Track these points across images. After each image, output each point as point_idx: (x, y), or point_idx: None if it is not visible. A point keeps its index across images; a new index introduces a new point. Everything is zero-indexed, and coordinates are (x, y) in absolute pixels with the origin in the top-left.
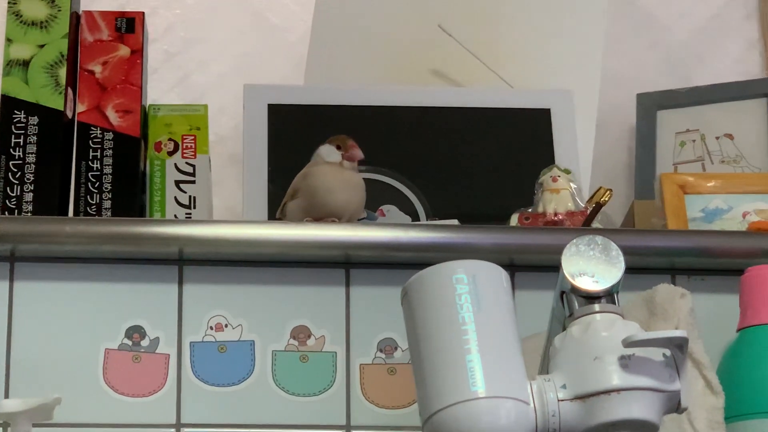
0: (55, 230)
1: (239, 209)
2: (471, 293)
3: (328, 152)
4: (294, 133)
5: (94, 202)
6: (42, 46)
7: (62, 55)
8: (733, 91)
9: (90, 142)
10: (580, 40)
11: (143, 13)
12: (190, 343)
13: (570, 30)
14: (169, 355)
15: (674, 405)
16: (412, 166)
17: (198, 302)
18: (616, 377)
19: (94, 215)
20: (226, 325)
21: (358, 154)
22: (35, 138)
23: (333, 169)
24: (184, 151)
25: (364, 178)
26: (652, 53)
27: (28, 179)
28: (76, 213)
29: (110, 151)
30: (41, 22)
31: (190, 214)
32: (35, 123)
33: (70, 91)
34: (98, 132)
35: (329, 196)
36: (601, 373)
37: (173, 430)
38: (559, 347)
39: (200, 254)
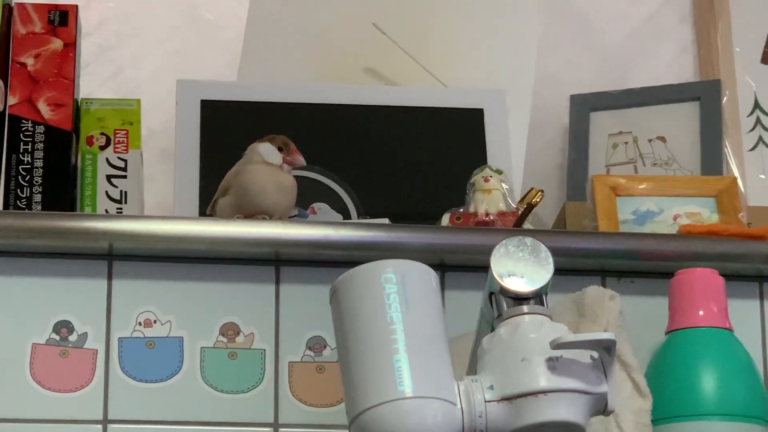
0: None
1: (170, 205)
2: (400, 293)
3: (268, 152)
4: (227, 129)
5: (24, 196)
6: None
7: None
8: (667, 94)
9: (21, 135)
10: (515, 40)
11: (77, 6)
12: (119, 338)
13: (504, 30)
14: (97, 350)
15: (601, 407)
16: (344, 164)
17: (127, 298)
18: (544, 379)
19: (24, 209)
20: (155, 321)
21: (301, 160)
22: None
23: (268, 169)
24: (116, 145)
25: (296, 176)
26: (586, 54)
27: None
28: (6, 206)
29: (41, 145)
30: None
31: (121, 209)
32: None
33: (1, 83)
34: (29, 125)
35: (260, 197)
36: (529, 374)
37: (100, 426)
38: (487, 348)
39: (130, 249)
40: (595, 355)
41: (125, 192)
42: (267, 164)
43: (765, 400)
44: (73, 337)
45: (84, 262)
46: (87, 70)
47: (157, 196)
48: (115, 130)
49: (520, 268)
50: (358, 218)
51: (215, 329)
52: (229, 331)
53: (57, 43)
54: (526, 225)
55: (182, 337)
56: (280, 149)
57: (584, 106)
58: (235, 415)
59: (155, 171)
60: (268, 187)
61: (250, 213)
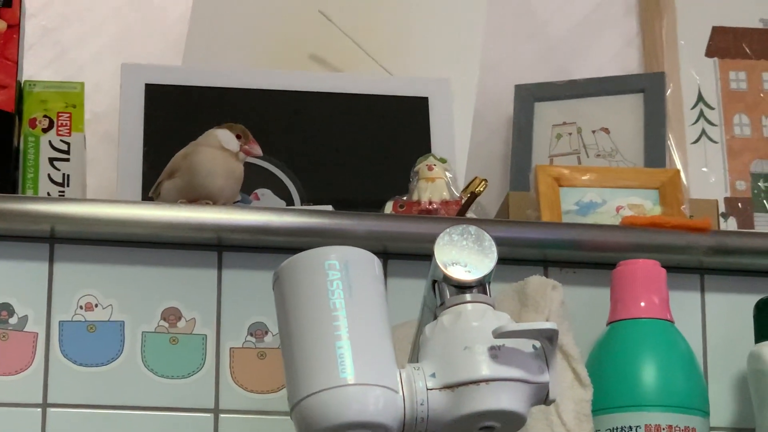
0: None
1: (113, 188)
2: (343, 280)
3: (226, 138)
4: (171, 113)
5: None
6: None
7: None
8: (611, 86)
9: None
10: (460, 29)
11: None
12: (59, 322)
13: (450, 19)
14: (37, 333)
15: (542, 396)
16: (288, 150)
17: (68, 281)
18: (485, 367)
19: None
20: (96, 305)
21: (258, 151)
22: None
23: (220, 154)
24: (59, 128)
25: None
26: (531, 45)
27: None
28: None
29: None
30: None
31: (63, 192)
32: None
33: None
34: None
35: (208, 179)
36: (471, 362)
37: (39, 409)
38: (430, 336)
39: (72, 233)
40: (537, 344)
41: (68, 175)
42: (221, 150)
43: (704, 392)
44: (13, 320)
45: (25, 244)
46: (30, 52)
47: (99, 179)
48: (59, 112)
49: (463, 256)
50: (302, 205)
51: (157, 314)
52: (171, 315)
53: (1, 24)
54: (469, 214)
55: (123, 322)
56: (238, 137)
57: (528, 96)
58: (176, 401)
59: (98, 154)
60: (217, 170)
61: (196, 195)
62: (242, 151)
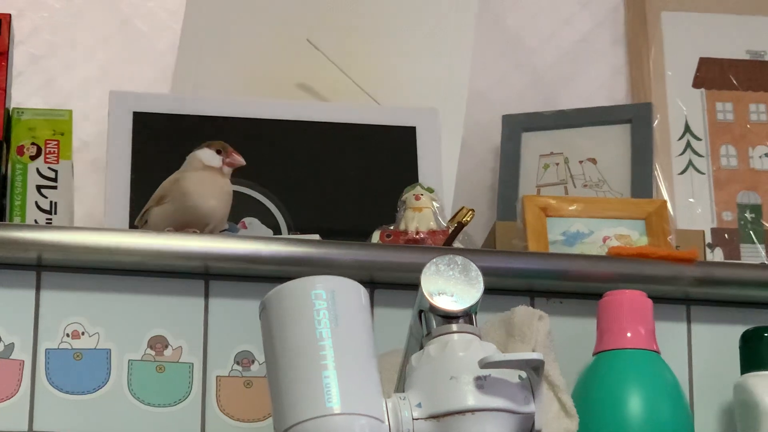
0: None
1: (100, 216)
2: (329, 309)
3: (208, 157)
4: (158, 141)
5: None
6: None
7: None
8: (598, 116)
9: None
10: (448, 59)
11: (9, 15)
12: (46, 349)
13: (438, 48)
14: (23, 361)
15: (528, 427)
16: (276, 179)
17: (55, 309)
18: (471, 398)
19: None
20: (82, 333)
21: (240, 160)
22: None
23: (208, 174)
24: (47, 156)
25: None
26: (519, 75)
27: None
28: None
29: None
30: None
31: (50, 219)
32: None
33: None
34: None
35: (200, 200)
36: (457, 392)
37: None
38: (416, 366)
39: (59, 260)
40: (523, 374)
41: (55, 203)
42: (207, 170)
43: (690, 423)
44: None
45: (12, 272)
46: (19, 79)
47: (87, 207)
48: (46, 140)
49: (450, 286)
50: (289, 234)
51: (143, 342)
52: (157, 344)
53: None
54: (456, 244)
55: (110, 350)
56: (218, 152)
57: (516, 126)
58: (162, 429)
59: (86, 182)
60: (207, 191)
61: (188, 218)
62: (225, 164)
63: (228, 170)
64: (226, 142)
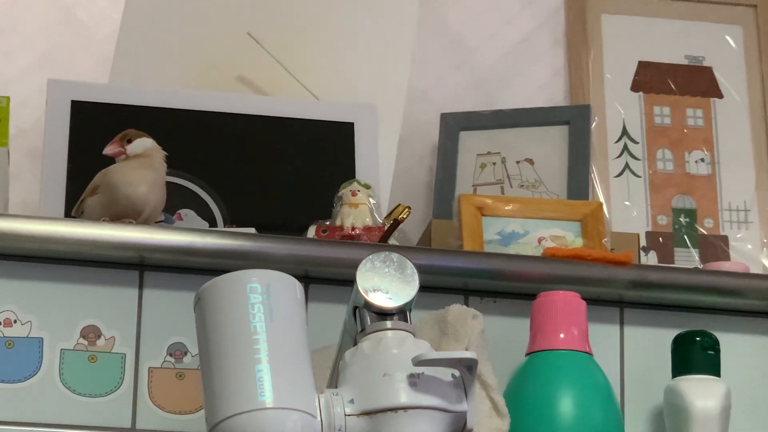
0: None
1: (36, 204)
2: (264, 303)
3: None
4: (96, 131)
5: None
6: None
7: None
8: (536, 117)
9: None
10: (388, 56)
11: None
12: None
13: (378, 45)
14: None
15: (460, 426)
16: (213, 172)
17: None
18: (404, 395)
19: None
20: (15, 321)
21: (108, 150)
22: None
23: (137, 163)
24: None
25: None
26: (459, 73)
27: None
28: None
29: None
30: None
31: None
32: None
33: None
34: None
35: (129, 189)
36: (389, 389)
37: None
38: (350, 362)
39: None
40: (457, 373)
41: None
42: (137, 159)
43: (620, 425)
44: None
45: None
46: None
47: (23, 195)
48: None
49: (385, 283)
50: (225, 226)
51: (76, 331)
52: (90, 333)
53: None
54: (392, 241)
55: (42, 338)
56: (129, 141)
57: (454, 124)
58: (93, 419)
59: (22, 170)
60: (136, 180)
61: (120, 209)
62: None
63: (158, 154)
64: (165, 134)
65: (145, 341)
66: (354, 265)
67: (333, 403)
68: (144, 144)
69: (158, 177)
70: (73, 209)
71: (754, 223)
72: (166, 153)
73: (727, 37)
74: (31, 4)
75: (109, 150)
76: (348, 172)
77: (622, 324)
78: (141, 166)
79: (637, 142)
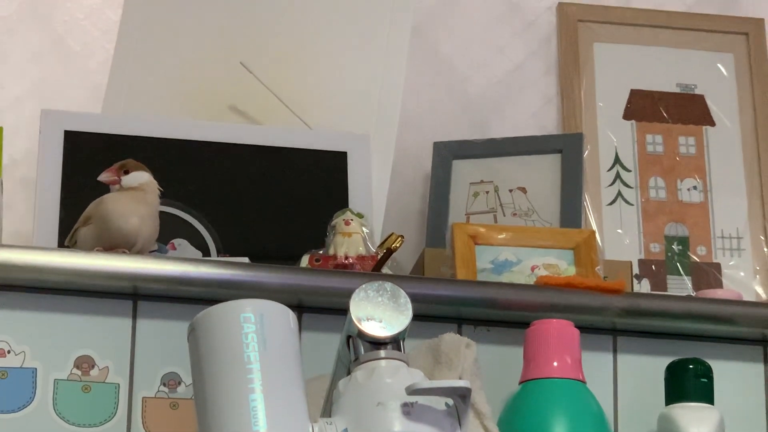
0: None
1: (29, 234)
2: (258, 333)
3: (103, 177)
4: (89, 161)
5: None
6: None
7: None
8: (529, 145)
9: None
10: (380, 85)
11: None
12: None
13: (370, 74)
14: None
15: None
16: (206, 201)
17: None
18: (398, 424)
19: None
20: (8, 351)
21: (104, 177)
22: None
23: (130, 194)
24: None
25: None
26: (451, 102)
27: None
28: None
29: None
30: None
31: None
32: None
33: None
34: None
35: (121, 221)
36: (383, 419)
37: None
38: (343, 391)
39: None
40: (450, 402)
41: None
42: (129, 190)
43: None
44: None
45: None
46: None
47: (16, 224)
48: None
49: (378, 312)
50: (218, 256)
51: (70, 361)
52: (84, 363)
53: None
54: (385, 270)
55: (36, 368)
56: (126, 172)
57: (447, 153)
58: None
59: (15, 199)
60: (128, 211)
61: (112, 240)
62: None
63: (153, 188)
64: (158, 163)
65: (138, 371)
66: (347, 294)
67: None
68: (140, 178)
69: (151, 210)
70: (66, 239)
71: (746, 251)
72: (161, 189)
73: (719, 65)
74: (23, 33)
75: (103, 177)
76: (341, 201)
77: (615, 352)
78: (134, 199)
79: (630, 170)
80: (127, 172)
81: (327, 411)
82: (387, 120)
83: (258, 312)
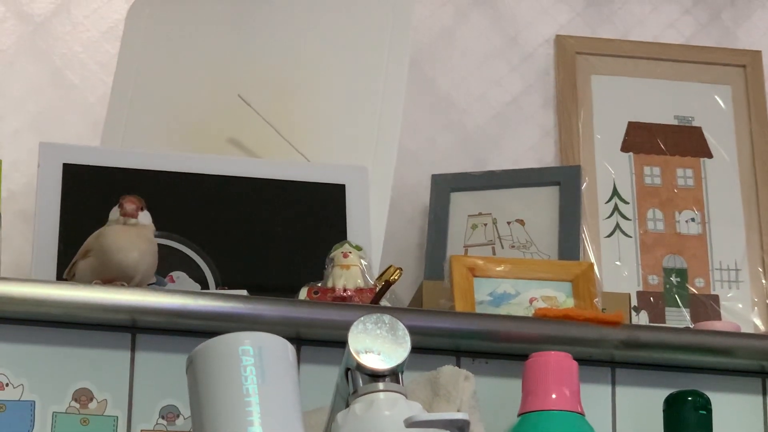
0: None
1: (28, 267)
2: (256, 365)
3: (112, 213)
4: (88, 194)
5: None
6: None
7: None
8: (527, 178)
9: None
10: (378, 118)
11: None
12: None
13: (368, 107)
14: None
15: None
16: (204, 234)
17: None
18: None
19: None
20: (6, 384)
21: (130, 208)
22: None
23: (129, 228)
24: None
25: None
26: (449, 135)
27: None
28: None
29: None
30: None
31: None
32: None
33: None
34: None
35: (121, 254)
36: None
37: None
38: (342, 424)
39: None
40: None
41: None
42: (120, 224)
43: None
44: None
45: None
46: None
47: (14, 257)
48: None
49: (377, 345)
50: (217, 288)
51: (68, 394)
52: (82, 396)
53: None
54: (383, 302)
55: (34, 401)
56: (120, 206)
57: (445, 186)
58: None
59: (13, 232)
60: (126, 245)
61: (111, 273)
62: (121, 215)
63: (147, 221)
64: (157, 196)
65: (137, 404)
66: (346, 327)
67: None
68: (149, 218)
69: (151, 245)
70: (65, 272)
71: (744, 283)
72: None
73: (717, 97)
74: (21, 66)
75: (129, 207)
76: (339, 234)
77: (613, 384)
78: (134, 234)
79: (628, 203)
80: (142, 209)
81: None
82: (385, 153)
83: (257, 345)
